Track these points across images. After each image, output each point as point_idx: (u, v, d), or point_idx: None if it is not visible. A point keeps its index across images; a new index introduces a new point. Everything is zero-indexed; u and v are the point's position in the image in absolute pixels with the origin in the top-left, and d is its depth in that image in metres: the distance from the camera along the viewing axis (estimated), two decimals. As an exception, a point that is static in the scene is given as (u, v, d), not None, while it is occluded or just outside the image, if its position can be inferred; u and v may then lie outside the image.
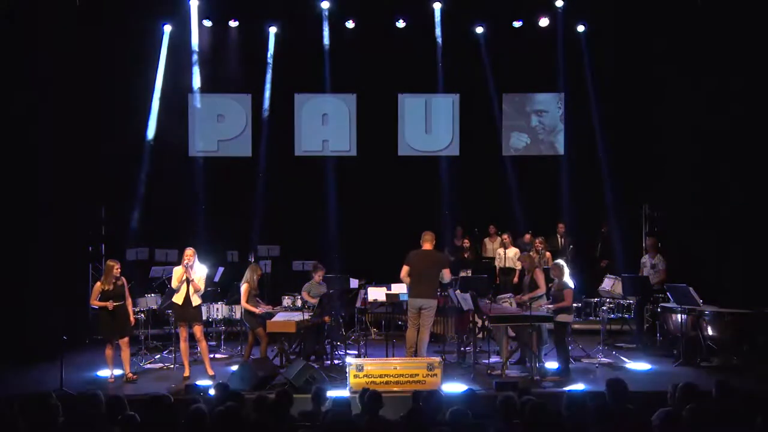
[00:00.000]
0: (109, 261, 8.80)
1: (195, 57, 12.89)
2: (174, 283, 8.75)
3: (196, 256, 8.86)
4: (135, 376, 8.65)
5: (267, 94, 13.17)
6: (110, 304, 8.46)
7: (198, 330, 8.79)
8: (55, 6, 10.76)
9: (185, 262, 8.72)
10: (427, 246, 8.92)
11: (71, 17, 11.06)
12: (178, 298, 8.74)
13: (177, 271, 8.78)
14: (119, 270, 8.65)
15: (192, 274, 8.70)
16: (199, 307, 8.91)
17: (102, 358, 8.75)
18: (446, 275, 8.95)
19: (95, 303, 8.56)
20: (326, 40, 12.84)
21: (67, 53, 11.09)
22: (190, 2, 12.40)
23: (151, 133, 12.64)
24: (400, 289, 9.51)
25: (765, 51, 10.73)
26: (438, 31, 12.86)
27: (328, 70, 13.12)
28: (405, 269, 8.83)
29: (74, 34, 11.16)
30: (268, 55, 13.00)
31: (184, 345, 8.80)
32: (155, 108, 12.75)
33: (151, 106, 12.69)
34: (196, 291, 8.80)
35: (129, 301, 8.80)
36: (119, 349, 8.63)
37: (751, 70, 10.91)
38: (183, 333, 8.78)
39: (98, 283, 8.62)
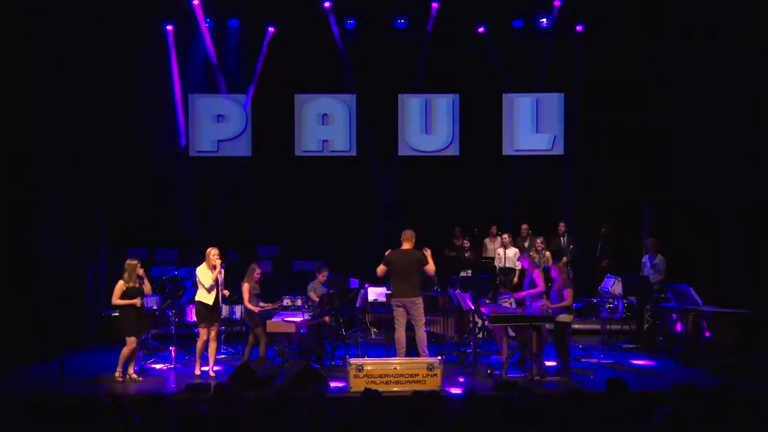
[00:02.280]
0: (130, 260, 8.75)
1: (199, 57, 12.94)
2: (208, 283, 8.71)
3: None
4: (139, 379, 8.65)
5: (250, 94, 13.19)
6: (138, 301, 8.55)
7: (215, 330, 8.84)
8: (55, 5, 10.76)
9: (215, 263, 8.73)
10: (406, 245, 8.89)
11: (71, 17, 11.05)
12: (209, 299, 8.73)
13: (204, 272, 8.75)
14: (141, 268, 8.69)
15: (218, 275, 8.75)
16: (221, 308, 8.99)
17: (102, 358, 8.75)
18: (429, 270, 8.90)
19: (119, 302, 8.54)
20: (327, 40, 12.84)
21: (68, 53, 11.11)
22: (194, 3, 12.40)
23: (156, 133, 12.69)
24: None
25: (764, 49, 10.74)
26: (438, 31, 12.85)
27: (328, 70, 13.13)
28: (382, 268, 8.83)
29: (75, 34, 11.18)
30: (262, 55, 12.99)
31: (202, 345, 8.82)
32: (161, 108, 12.83)
33: (154, 107, 12.72)
34: (224, 294, 8.89)
35: (148, 287, 8.85)
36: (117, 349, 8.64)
37: (750, 69, 10.92)
38: (203, 335, 8.79)
39: (121, 282, 8.58)
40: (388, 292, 9.71)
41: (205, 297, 8.75)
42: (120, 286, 8.57)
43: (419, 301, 8.81)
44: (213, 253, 8.77)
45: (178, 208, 12.86)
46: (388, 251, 8.92)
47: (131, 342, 8.52)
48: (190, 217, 12.91)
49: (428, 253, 8.90)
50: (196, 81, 13.11)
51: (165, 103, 12.95)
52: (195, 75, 13.06)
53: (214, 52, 12.95)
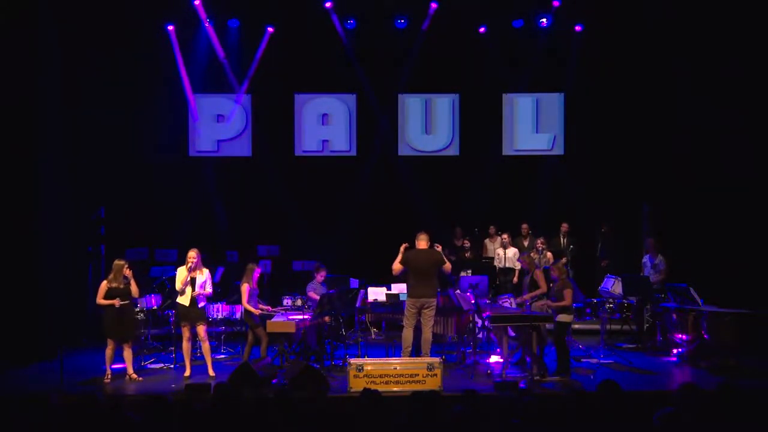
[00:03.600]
0: (118, 260, 8.79)
1: (199, 57, 12.94)
2: (178, 285, 8.74)
3: (200, 257, 8.86)
4: (140, 378, 8.65)
5: (250, 94, 13.20)
6: (117, 302, 8.49)
7: (201, 330, 8.81)
8: (55, 6, 10.76)
9: (189, 264, 8.72)
10: (422, 245, 8.92)
11: (70, 15, 11.06)
12: (183, 300, 8.74)
13: (180, 273, 8.77)
14: (129, 270, 8.66)
15: (197, 275, 8.72)
16: (203, 307, 8.94)
17: (102, 358, 8.74)
18: (447, 269, 8.97)
19: (101, 301, 8.56)
20: (327, 40, 12.83)
21: (68, 53, 11.10)
22: (195, 3, 12.40)
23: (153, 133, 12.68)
24: (400, 289, 9.51)
25: (764, 49, 10.74)
26: (438, 31, 12.84)
27: (328, 71, 13.12)
28: (398, 266, 8.83)
29: (74, 32, 11.18)
30: (261, 54, 12.98)
31: (186, 345, 8.80)
32: (161, 108, 12.83)
33: (154, 107, 12.71)
34: (206, 295, 8.85)
35: (135, 289, 8.76)
36: (120, 349, 8.64)
37: (751, 68, 10.92)
38: (186, 333, 8.79)
39: (104, 282, 8.62)
40: (389, 292, 9.71)
41: (179, 297, 8.78)
42: (103, 285, 8.61)
43: (435, 303, 8.84)
44: (190, 255, 8.78)
45: (178, 207, 12.84)
46: (405, 249, 8.89)
47: (110, 342, 8.55)
48: (190, 216, 12.89)
49: (439, 248, 8.95)
50: (195, 81, 13.10)
51: (166, 102, 12.94)
52: (195, 75, 13.05)
53: (215, 52, 12.94)
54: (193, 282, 8.74)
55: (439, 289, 10.24)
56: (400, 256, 8.85)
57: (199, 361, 9.18)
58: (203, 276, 8.83)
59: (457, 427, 4.91)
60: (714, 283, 10.08)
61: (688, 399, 5.02)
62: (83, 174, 11.49)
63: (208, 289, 8.90)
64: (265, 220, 13.04)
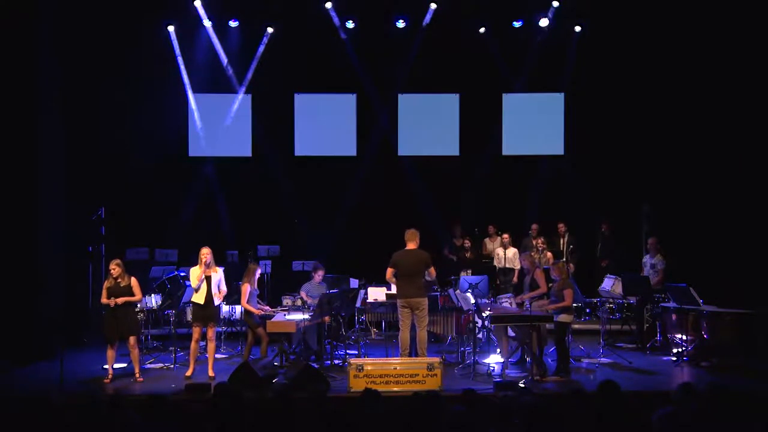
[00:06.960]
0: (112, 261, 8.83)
1: (199, 57, 12.95)
2: (194, 283, 8.70)
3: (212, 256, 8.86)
4: (141, 379, 8.66)
5: (250, 94, 13.22)
6: (112, 301, 8.48)
7: (211, 330, 8.80)
8: (55, 6, 10.76)
9: (205, 261, 8.71)
10: (411, 245, 8.90)
11: (70, 15, 11.06)
12: (198, 298, 8.71)
13: (195, 271, 8.74)
14: (116, 269, 8.60)
15: (211, 273, 8.72)
16: (218, 307, 8.94)
17: (102, 358, 8.75)
18: (431, 273, 8.93)
19: (103, 300, 8.61)
20: (327, 40, 12.84)
21: (68, 53, 11.10)
22: (195, 3, 12.41)
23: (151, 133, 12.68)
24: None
25: (763, 50, 10.75)
26: (438, 31, 12.85)
27: (328, 70, 13.13)
28: (390, 271, 8.82)
29: (75, 32, 11.18)
30: (260, 55, 12.99)
31: (194, 345, 8.79)
32: (161, 108, 12.83)
33: (155, 107, 12.72)
34: (221, 293, 8.86)
35: (136, 297, 8.70)
36: (125, 349, 8.65)
37: (751, 69, 10.93)
38: (196, 333, 8.77)
39: (106, 281, 8.67)
40: (389, 291, 9.71)
41: (194, 296, 8.78)
42: (104, 285, 8.63)
43: (425, 302, 8.82)
44: (203, 252, 8.74)
45: (178, 207, 12.85)
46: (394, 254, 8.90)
47: (109, 343, 8.58)
48: (190, 216, 12.90)
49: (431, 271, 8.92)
50: (195, 81, 13.11)
51: (166, 102, 12.94)
52: (195, 75, 13.06)
53: (215, 52, 12.95)
54: (208, 280, 8.72)
55: (439, 290, 10.24)
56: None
57: (199, 360, 9.17)
58: (218, 275, 8.82)
59: (457, 427, 4.91)
60: (714, 283, 10.08)
61: (687, 399, 5.02)
62: (83, 174, 11.48)
63: (223, 288, 8.90)
64: (265, 220, 13.05)
